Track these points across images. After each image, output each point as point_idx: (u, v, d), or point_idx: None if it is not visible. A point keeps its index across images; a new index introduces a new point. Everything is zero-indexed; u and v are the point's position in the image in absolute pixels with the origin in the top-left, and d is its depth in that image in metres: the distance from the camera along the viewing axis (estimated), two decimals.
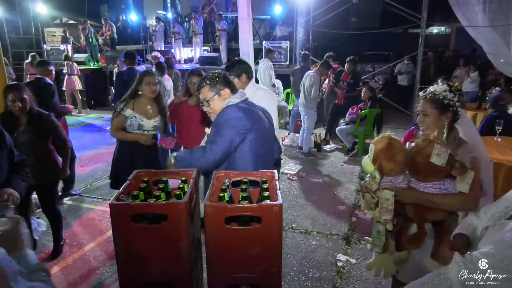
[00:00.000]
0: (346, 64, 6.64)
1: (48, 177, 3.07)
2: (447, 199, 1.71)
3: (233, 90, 2.23)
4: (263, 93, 3.00)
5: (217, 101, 2.19)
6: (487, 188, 1.90)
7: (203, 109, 2.27)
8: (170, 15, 13.25)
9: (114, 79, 8.06)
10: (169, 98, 5.75)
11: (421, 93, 1.93)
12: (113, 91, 7.96)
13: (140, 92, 3.12)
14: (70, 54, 10.82)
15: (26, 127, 2.91)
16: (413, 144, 1.80)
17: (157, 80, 3.22)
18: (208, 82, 2.19)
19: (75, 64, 9.95)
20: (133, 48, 12.13)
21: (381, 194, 1.72)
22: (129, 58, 5.57)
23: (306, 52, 7.65)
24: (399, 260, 1.85)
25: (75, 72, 9.74)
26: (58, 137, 3.13)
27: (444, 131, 1.82)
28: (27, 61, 9.65)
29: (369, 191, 1.73)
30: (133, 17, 14.52)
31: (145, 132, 3.14)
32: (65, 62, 9.66)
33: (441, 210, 1.75)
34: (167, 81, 6.27)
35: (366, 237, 2.02)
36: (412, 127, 2.24)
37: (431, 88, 1.88)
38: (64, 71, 9.58)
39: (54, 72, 4.51)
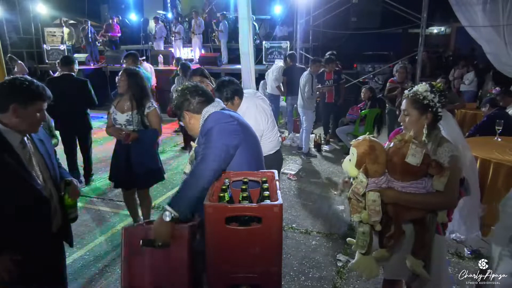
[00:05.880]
0: (325, 64, 6.62)
1: None
2: (425, 198, 1.72)
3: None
4: (252, 108, 2.85)
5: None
6: (472, 187, 1.90)
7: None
8: (170, 15, 13.24)
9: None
10: None
11: (406, 92, 1.93)
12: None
13: None
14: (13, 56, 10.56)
15: None
16: (391, 144, 1.81)
17: (123, 77, 3.19)
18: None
19: (22, 63, 9.97)
20: (133, 48, 12.12)
21: (367, 196, 1.72)
22: (130, 59, 5.55)
23: (293, 52, 7.68)
24: (382, 257, 1.85)
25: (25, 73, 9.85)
26: None
27: (424, 131, 1.81)
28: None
29: (356, 195, 1.73)
30: (133, 17, 14.50)
31: (121, 126, 3.19)
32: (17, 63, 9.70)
33: (420, 209, 1.76)
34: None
35: (350, 239, 2.00)
36: (399, 128, 2.23)
37: (414, 88, 1.87)
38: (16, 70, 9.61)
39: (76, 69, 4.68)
